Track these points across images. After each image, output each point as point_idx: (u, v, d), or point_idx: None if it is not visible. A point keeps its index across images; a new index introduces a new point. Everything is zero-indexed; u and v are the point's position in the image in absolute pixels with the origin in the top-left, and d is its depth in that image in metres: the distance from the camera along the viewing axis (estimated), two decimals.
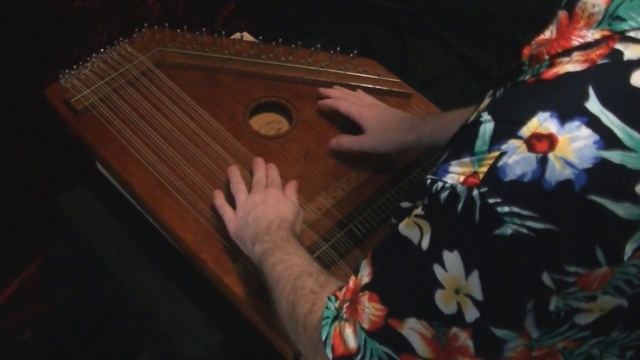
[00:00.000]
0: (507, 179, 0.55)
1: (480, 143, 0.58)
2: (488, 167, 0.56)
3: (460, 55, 1.59)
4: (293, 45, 1.22)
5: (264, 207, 0.93)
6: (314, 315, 0.74)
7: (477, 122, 0.59)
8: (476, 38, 1.59)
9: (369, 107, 1.11)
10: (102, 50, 1.17)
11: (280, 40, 1.23)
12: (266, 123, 1.16)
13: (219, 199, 0.98)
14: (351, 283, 0.71)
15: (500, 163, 0.56)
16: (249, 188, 0.99)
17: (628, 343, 0.70)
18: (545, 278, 0.56)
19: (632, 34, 0.57)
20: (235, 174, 1.01)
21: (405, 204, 0.68)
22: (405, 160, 1.09)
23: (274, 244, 0.87)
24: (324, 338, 0.70)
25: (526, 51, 0.65)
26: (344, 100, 1.13)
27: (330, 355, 0.70)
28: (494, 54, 1.56)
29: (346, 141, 1.09)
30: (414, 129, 1.03)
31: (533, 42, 0.65)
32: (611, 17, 0.59)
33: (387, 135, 1.06)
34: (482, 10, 1.59)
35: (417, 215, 0.63)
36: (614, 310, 0.62)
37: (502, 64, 1.54)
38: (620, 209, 0.54)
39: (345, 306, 0.70)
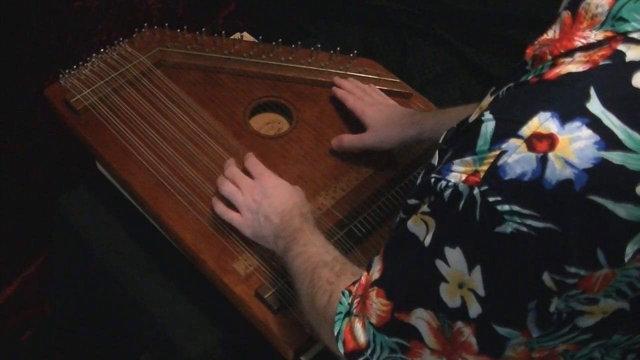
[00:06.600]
0: (507, 178, 0.55)
1: (482, 142, 0.58)
2: (489, 165, 0.56)
3: (460, 55, 1.59)
4: (293, 45, 1.22)
5: (267, 202, 0.93)
6: (332, 307, 0.75)
7: (479, 121, 0.59)
8: (476, 38, 1.59)
9: (373, 106, 1.11)
10: (102, 50, 1.17)
11: (280, 40, 1.23)
12: (266, 123, 1.16)
13: (220, 207, 0.97)
14: (363, 279, 0.72)
15: (500, 162, 0.56)
16: None
17: (630, 346, 0.70)
18: (546, 278, 0.56)
19: (635, 35, 0.57)
20: (230, 169, 1.00)
21: (412, 201, 0.68)
22: (406, 160, 1.09)
23: (290, 237, 0.88)
24: (335, 333, 0.72)
25: (529, 51, 0.65)
26: (353, 95, 1.14)
27: (342, 350, 0.71)
28: (494, 54, 1.56)
29: (348, 140, 1.09)
30: (414, 124, 1.04)
31: (536, 42, 0.65)
32: (614, 18, 0.58)
33: (388, 131, 1.06)
34: (482, 10, 1.59)
35: (423, 212, 0.63)
36: (616, 313, 0.62)
37: (502, 64, 1.54)
38: (621, 210, 0.54)
39: (356, 301, 0.71)
